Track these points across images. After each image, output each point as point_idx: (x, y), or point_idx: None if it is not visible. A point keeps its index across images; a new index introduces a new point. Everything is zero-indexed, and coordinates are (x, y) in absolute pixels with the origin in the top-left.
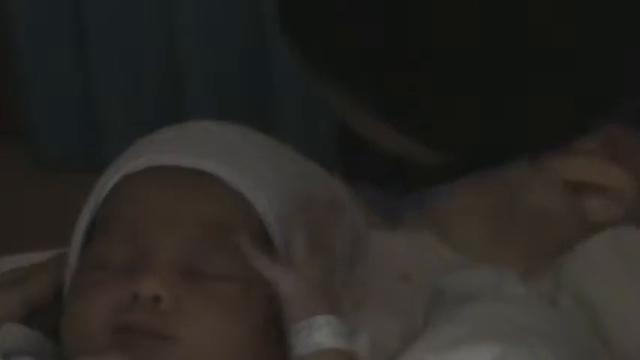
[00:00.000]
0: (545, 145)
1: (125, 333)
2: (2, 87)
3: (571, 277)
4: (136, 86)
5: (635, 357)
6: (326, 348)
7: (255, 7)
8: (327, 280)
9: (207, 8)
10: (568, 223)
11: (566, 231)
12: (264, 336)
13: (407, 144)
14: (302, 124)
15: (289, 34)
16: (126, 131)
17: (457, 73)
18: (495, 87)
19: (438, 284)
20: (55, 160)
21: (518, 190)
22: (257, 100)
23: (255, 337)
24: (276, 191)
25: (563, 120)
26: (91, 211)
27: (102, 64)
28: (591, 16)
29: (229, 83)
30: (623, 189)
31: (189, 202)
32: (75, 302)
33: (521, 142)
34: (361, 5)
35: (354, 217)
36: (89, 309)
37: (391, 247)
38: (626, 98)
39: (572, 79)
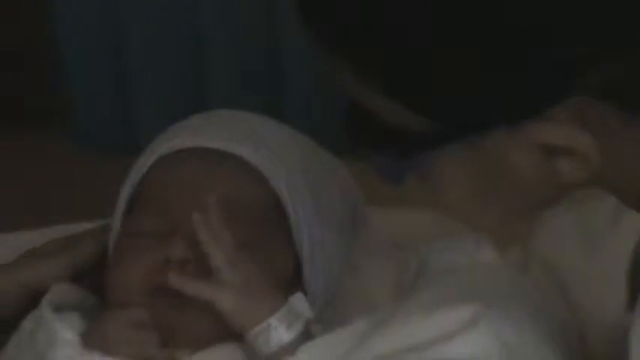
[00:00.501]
0: (522, 114)
1: (158, 292)
2: (51, 82)
3: (539, 246)
4: (165, 82)
5: (594, 318)
6: (287, 341)
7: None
8: (256, 276)
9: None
10: (541, 183)
11: (540, 191)
12: (277, 287)
13: (405, 115)
14: (318, 115)
15: (301, 14)
16: (157, 112)
17: (448, 53)
18: (478, 65)
19: (423, 253)
20: (97, 145)
21: (498, 154)
22: (276, 98)
23: (271, 288)
24: (291, 170)
25: (537, 91)
26: (131, 187)
27: (135, 61)
28: None
29: (253, 81)
30: (588, 153)
31: (213, 179)
32: (116, 265)
33: (501, 112)
34: None
35: (351, 189)
36: (128, 271)
37: (388, 220)
38: (592, 69)
39: (545, 54)
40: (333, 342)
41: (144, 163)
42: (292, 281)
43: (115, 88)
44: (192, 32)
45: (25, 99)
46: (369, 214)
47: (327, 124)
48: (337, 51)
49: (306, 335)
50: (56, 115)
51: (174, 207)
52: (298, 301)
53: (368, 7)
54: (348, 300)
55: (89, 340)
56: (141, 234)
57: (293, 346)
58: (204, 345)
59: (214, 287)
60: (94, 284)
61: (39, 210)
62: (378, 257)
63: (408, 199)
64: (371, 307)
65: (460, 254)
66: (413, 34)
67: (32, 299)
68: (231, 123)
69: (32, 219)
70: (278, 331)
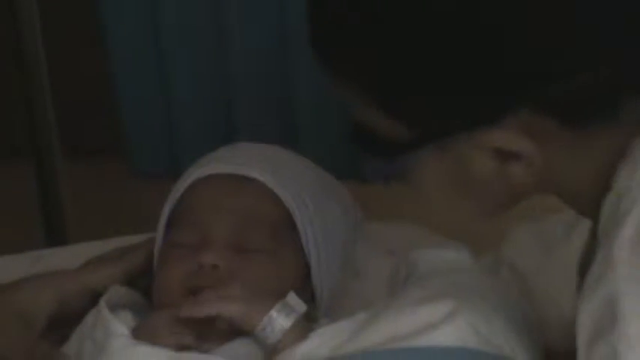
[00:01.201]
0: (476, 122)
1: (192, 293)
2: (106, 111)
3: (507, 254)
4: (203, 121)
5: (553, 314)
6: (287, 327)
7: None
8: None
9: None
10: (501, 185)
11: (502, 191)
12: (289, 288)
13: (387, 124)
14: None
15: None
16: (196, 145)
17: (417, 72)
18: (441, 82)
19: (412, 258)
20: (148, 172)
21: (463, 158)
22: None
23: (283, 291)
24: (300, 192)
25: (489, 103)
26: (170, 206)
27: (180, 105)
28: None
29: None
30: (531, 157)
31: (236, 199)
32: (159, 271)
33: (459, 120)
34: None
35: (352, 208)
36: (168, 276)
37: (383, 232)
38: (537, 86)
39: (497, 73)
40: (337, 330)
41: (181, 185)
42: (302, 283)
43: (161, 128)
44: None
45: (93, 135)
46: (368, 228)
47: (336, 151)
48: (333, 69)
49: (307, 326)
50: (116, 147)
51: (204, 222)
52: (291, 297)
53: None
54: (351, 299)
55: (138, 333)
56: (178, 245)
57: (298, 335)
58: (232, 337)
59: (222, 302)
60: (144, 287)
61: (100, 225)
62: (375, 263)
63: (400, 215)
64: (369, 304)
65: (443, 259)
66: (388, 59)
67: (93, 299)
68: (251, 153)
69: (95, 232)
70: (279, 320)
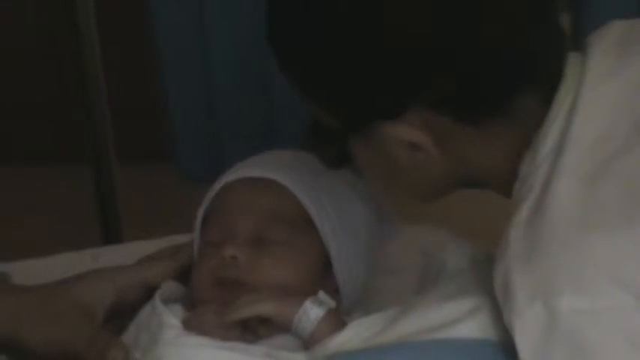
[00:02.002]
0: (380, 116)
1: (219, 284)
2: (158, 120)
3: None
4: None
5: None
6: (322, 316)
7: None
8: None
9: None
10: (416, 172)
11: (420, 178)
12: (309, 278)
13: (326, 117)
14: None
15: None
16: (236, 152)
17: (338, 74)
18: (353, 80)
19: (442, 258)
20: (194, 176)
21: (383, 146)
22: None
23: (302, 279)
24: (317, 191)
25: (387, 102)
26: (204, 209)
27: (224, 117)
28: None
29: None
30: (427, 147)
31: (258, 198)
32: (194, 267)
33: (367, 114)
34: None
35: (381, 209)
36: (199, 271)
37: (416, 233)
38: (430, 86)
39: (396, 75)
40: (370, 323)
41: (212, 190)
42: (323, 275)
43: (209, 136)
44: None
45: (146, 141)
46: (403, 229)
47: None
48: (285, 71)
49: (341, 319)
50: (167, 153)
51: (228, 220)
52: (322, 294)
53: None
54: (385, 295)
55: (188, 325)
56: (209, 243)
57: (332, 326)
58: (273, 332)
59: (256, 304)
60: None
61: (152, 225)
62: (409, 262)
63: (429, 217)
64: (402, 299)
65: (470, 259)
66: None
67: (147, 293)
68: (276, 159)
69: (147, 232)
70: (313, 310)
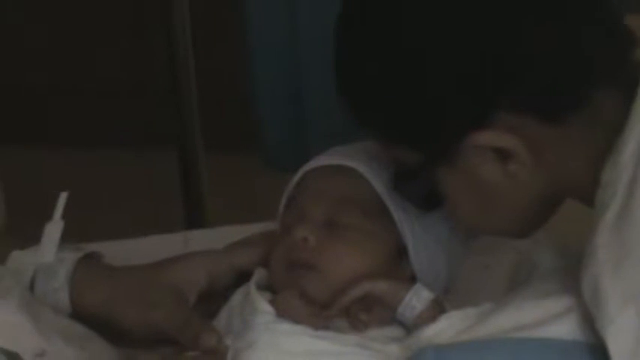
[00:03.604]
0: (467, 125)
1: (291, 268)
2: (244, 108)
3: None
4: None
5: None
6: (433, 297)
7: None
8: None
9: None
10: (511, 189)
11: (516, 198)
12: (381, 265)
13: (402, 153)
14: None
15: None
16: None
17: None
18: (433, 104)
19: (533, 257)
20: (279, 165)
21: (471, 170)
22: None
23: (373, 265)
24: (392, 179)
25: (471, 108)
26: (286, 196)
27: (309, 105)
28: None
29: None
30: (517, 151)
31: (332, 183)
32: (271, 252)
33: (454, 126)
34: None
35: None
36: (274, 256)
37: (477, 246)
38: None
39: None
40: (464, 315)
41: (294, 178)
42: (397, 264)
43: (295, 123)
44: None
45: (232, 129)
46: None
47: None
48: (355, 113)
49: (440, 310)
50: (252, 142)
51: (302, 204)
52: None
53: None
54: (476, 290)
55: (280, 311)
56: (285, 227)
57: (431, 316)
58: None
59: (369, 282)
60: None
61: (236, 212)
62: (500, 258)
63: None
64: (494, 295)
65: (562, 259)
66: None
67: (237, 278)
68: (357, 148)
69: (231, 219)
70: (425, 291)
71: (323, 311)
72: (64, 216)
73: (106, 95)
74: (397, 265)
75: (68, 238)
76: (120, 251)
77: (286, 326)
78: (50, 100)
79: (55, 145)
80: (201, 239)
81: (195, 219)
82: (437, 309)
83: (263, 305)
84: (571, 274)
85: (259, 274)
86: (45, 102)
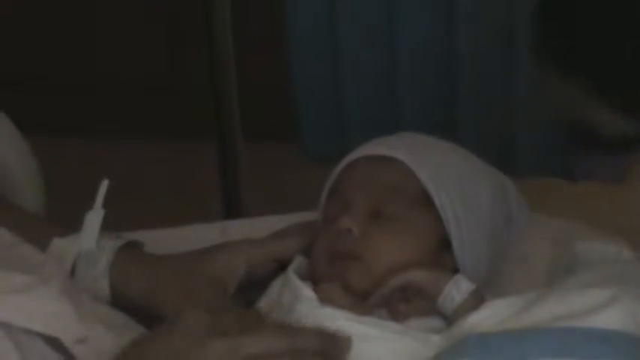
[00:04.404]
0: None
1: (335, 258)
2: (285, 100)
3: None
4: (371, 109)
5: None
6: (473, 288)
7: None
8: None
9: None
10: None
11: None
12: (425, 257)
13: (609, 119)
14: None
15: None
16: (362, 133)
17: None
18: None
19: (573, 250)
20: (319, 157)
21: None
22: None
23: (418, 257)
24: (438, 169)
25: None
26: (329, 186)
27: (349, 92)
28: None
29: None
30: None
31: (376, 174)
32: (313, 243)
33: None
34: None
35: (507, 198)
36: (317, 247)
37: (548, 223)
38: None
39: None
40: (507, 304)
41: (337, 168)
42: (440, 256)
43: (334, 115)
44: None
45: (272, 121)
46: (534, 218)
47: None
48: (562, 66)
49: (481, 299)
50: (291, 133)
51: (347, 194)
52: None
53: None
54: (514, 283)
55: (322, 300)
56: (328, 218)
57: (473, 305)
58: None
59: (410, 271)
60: None
61: (274, 203)
62: (538, 251)
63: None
64: (533, 287)
65: (603, 252)
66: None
67: (277, 268)
68: (400, 139)
69: (269, 211)
70: (465, 282)
71: (365, 302)
72: (105, 205)
73: (149, 88)
74: (440, 257)
75: (109, 227)
76: (159, 240)
77: (329, 311)
78: (97, 91)
79: (99, 134)
80: (239, 229)
81: (233, 211)
82: (477, 300)
83: (305, 290)
84: (612, 266)
85: (298, 261)
86: (92, 93)
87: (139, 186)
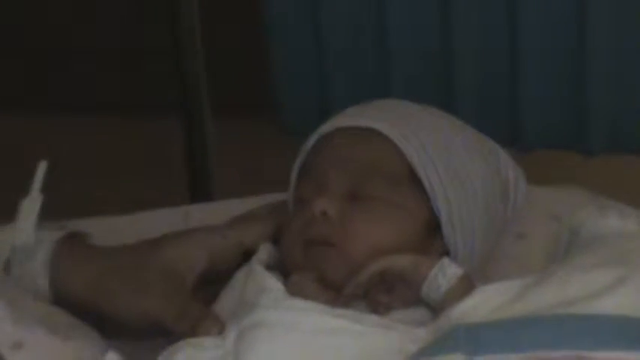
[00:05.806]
0: None
1: (308, 246)
2: (257, 68)
3: None
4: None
5: None
6: (461, 274)
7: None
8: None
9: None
10: None
11: None
12: (411, 241)
13: None
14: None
15: None
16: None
17: None
18: None
19: (574, 224)
20: (297, 133)
21: None
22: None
23: (402, 241)
24: (424, 142)
25: None
26: (299, 162)
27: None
28: None
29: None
30: None
31: (354, 149)
32: (284, 227)
33: None
34: None
35: (503, 169)
36: (288, 231)
37: (547, 196)
38: None
39: None
40: (500, 290)
41: (309, 141)
42: (428, 239)
43: (314, 90)
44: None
45: (243, 95)
46: (532, 191)
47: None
48: None
49: (472, 286)
50: (266, 108)
51: (321, 173)
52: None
53: None
54: (510, 261)
55: (289, 290)
56: (300, 200)
57: (462, 292)
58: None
59: (392, 256)
60: None
61: (247, 182)
62: (538, 227)
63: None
64: (531, 268)
65: (607, 226)
66: None
67: (241, 257)
68: (383, 107)
69: (241, 190)
70: (451, 267)
71: (341, 295)
72: (48, 190)
73: (103, 57)
74: (428, 241)
75: (52, 215)
76: (111, 230)
77: (297, 302)
78: (46, 62)
79: (42, 109)
80: (204, 214)
81: (201, 194)
82: (466, 286)
83: (269, 282)
84: (617, 242)
85: (265, 249)
86: (39, 64)
87: (92, 167)
